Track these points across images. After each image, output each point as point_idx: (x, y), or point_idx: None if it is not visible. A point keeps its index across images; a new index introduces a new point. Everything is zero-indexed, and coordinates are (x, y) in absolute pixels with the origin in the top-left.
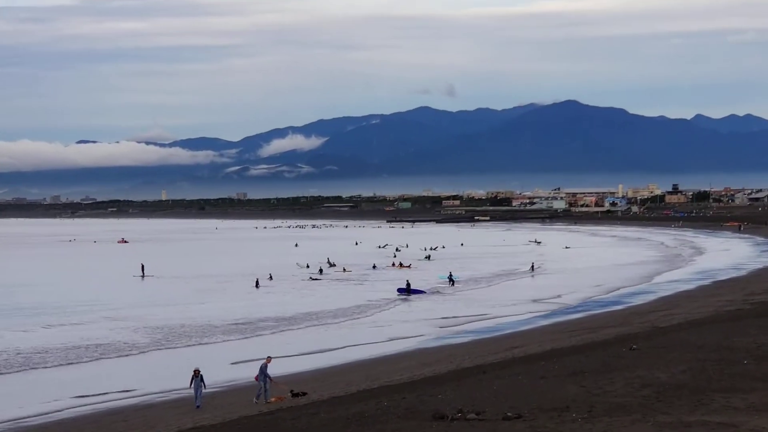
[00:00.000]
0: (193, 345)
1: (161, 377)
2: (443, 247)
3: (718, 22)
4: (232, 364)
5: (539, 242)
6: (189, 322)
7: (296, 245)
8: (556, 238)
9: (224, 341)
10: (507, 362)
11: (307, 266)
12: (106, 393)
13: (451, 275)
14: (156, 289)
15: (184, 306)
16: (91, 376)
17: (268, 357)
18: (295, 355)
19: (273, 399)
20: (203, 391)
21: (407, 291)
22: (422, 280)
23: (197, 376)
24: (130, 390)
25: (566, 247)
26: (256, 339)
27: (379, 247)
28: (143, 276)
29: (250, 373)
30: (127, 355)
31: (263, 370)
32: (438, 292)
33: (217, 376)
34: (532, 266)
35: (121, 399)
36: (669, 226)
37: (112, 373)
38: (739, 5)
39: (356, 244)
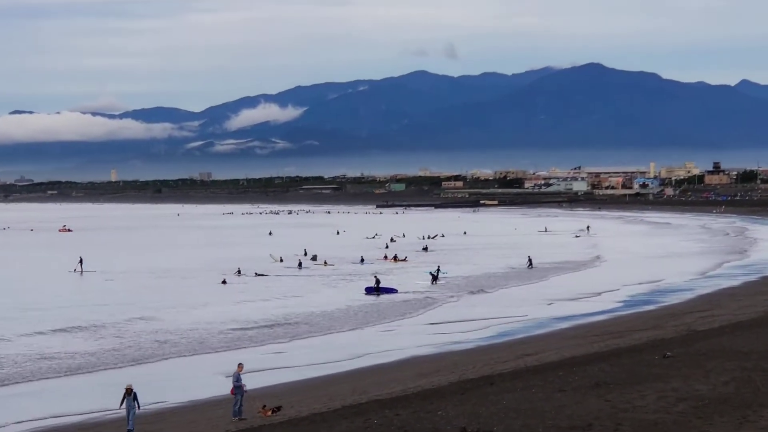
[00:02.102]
0: (141, 363)
1: (94, 396)
2: (442, 236)
3: None
4: (195, 378)
5: (589, 229)
6: (136, 328)
7: (270, 233)
8: (574, 225)
9: (177, 356)
10: (518, 372)
11: (281, 260)
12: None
13: (438, 270)
14: (96, 288)
15: (129, 307)
16: (18, 394)
17: (240, 364)
18: (270, 369)
19: (268, 412)
20: (137, 411)
21: (376, 290)
22: (418, 275)
23: (130, 394)
24: (62, 415)
25: (576, 236)
26: (219, 354)
27: (368, 237)
28: (82, 271)
29: (212, 389)
30: (63, 371)
31: (240, 379)
32: (414, 291)
33: (175, 392)
34: (530, 261)
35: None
36: (709, 212)
37: (39, 391)
38: None
39: (337, 233)
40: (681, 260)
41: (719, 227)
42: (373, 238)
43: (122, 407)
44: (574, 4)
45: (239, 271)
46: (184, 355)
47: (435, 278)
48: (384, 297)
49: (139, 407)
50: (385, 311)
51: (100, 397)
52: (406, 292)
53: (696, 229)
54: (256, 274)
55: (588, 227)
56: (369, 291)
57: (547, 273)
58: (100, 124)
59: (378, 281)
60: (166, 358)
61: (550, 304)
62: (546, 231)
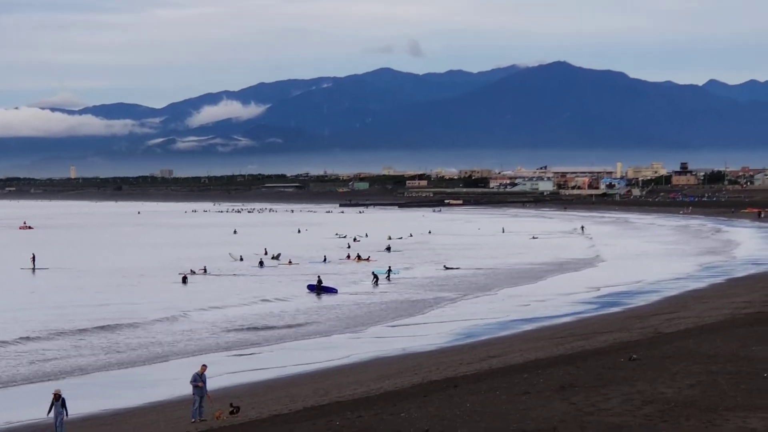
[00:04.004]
0: (91, 370)
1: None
2: (410, 236)
3: None
4: (153, 380)
5: (583, 229)
6: (86, 331)
7: (235, 232)
8: (536, 226)
9: (131, 359)
10: (482, 374)
11: (241, 259)
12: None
13: (389, 270)
14: (48, 286)
15: (79, 307)
16: None
17: (203, 365)
18: (233, 372)
19: (216, 414)
20: (65, 418)
21: (317, 289)
22: (365, 276)
23: (58, 400)
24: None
25: (534, 237)
26: (179, 355)
27: (340, 236)
28: (34, 269)
29: (172, 390)
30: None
31: (197, 380)
32: (355, 292)
33: (133, 393)
34: (445, 267)
35: None
36: (676, 213)
37: None
38: None
39: (299, 231)
40: (671, 262)
41: (695, 228)
42: (344, 237)
43: (50, 414)
44: (540, 2)
45: (205, 270)
46: (135, 362)
47: (377, 279)
48: (351, 298)
49: (67, 414)
50: (350, 314)
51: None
52: (347, 293)
53: (674, 229)
54: (192, 272)
55: (582, 227)
56: (311, 289)
57: (545, 274)
58: (60, 120)
59: (320, 280)
60: (120, 364)
61: (527, 306)
62: (503, 232)
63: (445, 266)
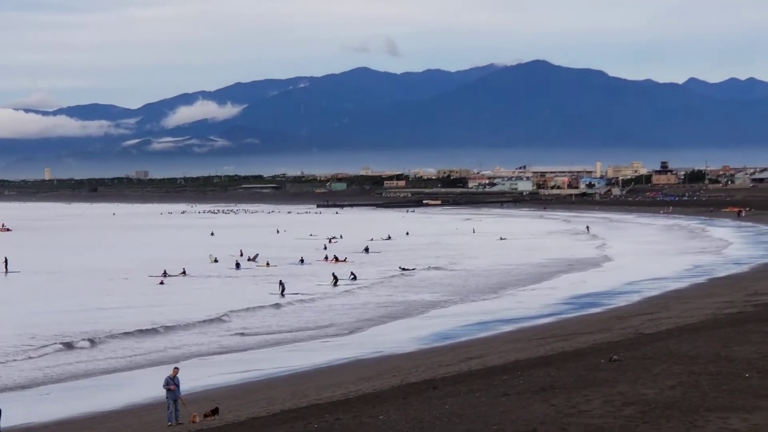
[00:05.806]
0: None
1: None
2: (389, 238)
3: None
4: (129, 383)
5: (588, 229)
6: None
7: (212, 234)
8: (507, 227)
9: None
10: (462, 376)
11: (216, 260)
12: None
13: (352, 275)
14: (16, 289)
15: (45, 315)
16: None
17: (175, 368)
18: (209, 376)
19: (191, 418)
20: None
21: (281, 294)
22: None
23: None
24: None
25: (502, 238)
26: (155, 358)
27: (329, 238)
28: (6, 271)
29: (149, 394)
30: None
31: (169, 383)
32: (316, 294)
33: (110, 396)
34: (400, 269)
35: None
36: (657, 212)
37: None
38: None
39: (277, 232)
40: (675, 261)
41: (683, 227)
42: (331, 239)
43: None
44: (518, 0)
45: (184, 272)
46: (111, 369)
47: (337, 280)
48: (324, 303)
49: None
50: (325, 317)
51: None
52: (315, 296)
53: (662, 228)
54: (165, 273)
55: (588, 227)
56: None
57: (552, 274)
58: (34, 121)
59: (282, 284)
60: (94, 370)
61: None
62: (474, 232)
63: (400, 268)
